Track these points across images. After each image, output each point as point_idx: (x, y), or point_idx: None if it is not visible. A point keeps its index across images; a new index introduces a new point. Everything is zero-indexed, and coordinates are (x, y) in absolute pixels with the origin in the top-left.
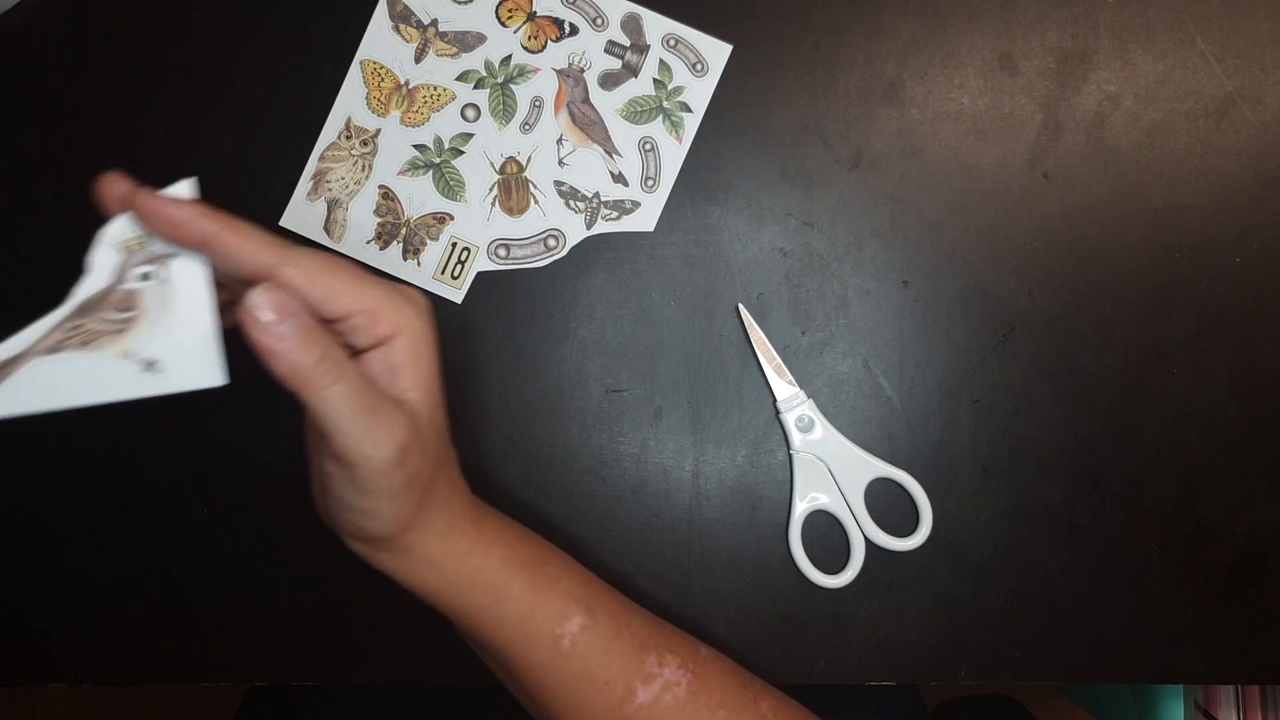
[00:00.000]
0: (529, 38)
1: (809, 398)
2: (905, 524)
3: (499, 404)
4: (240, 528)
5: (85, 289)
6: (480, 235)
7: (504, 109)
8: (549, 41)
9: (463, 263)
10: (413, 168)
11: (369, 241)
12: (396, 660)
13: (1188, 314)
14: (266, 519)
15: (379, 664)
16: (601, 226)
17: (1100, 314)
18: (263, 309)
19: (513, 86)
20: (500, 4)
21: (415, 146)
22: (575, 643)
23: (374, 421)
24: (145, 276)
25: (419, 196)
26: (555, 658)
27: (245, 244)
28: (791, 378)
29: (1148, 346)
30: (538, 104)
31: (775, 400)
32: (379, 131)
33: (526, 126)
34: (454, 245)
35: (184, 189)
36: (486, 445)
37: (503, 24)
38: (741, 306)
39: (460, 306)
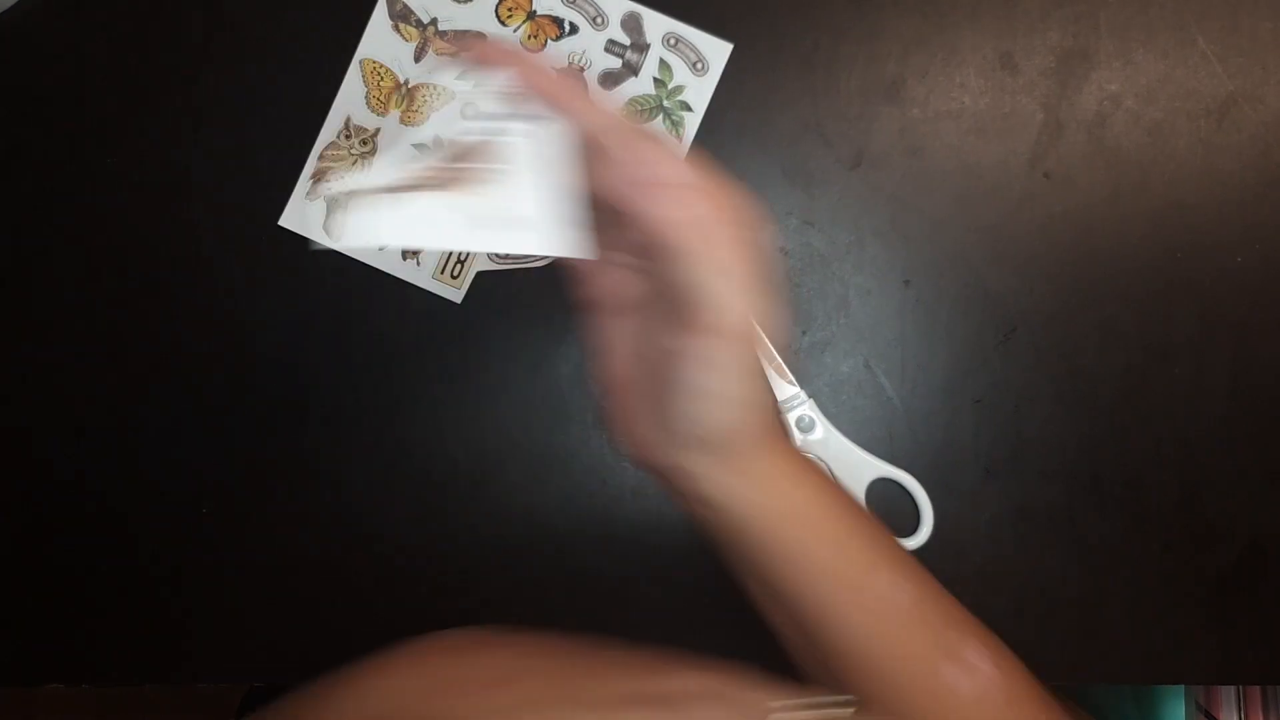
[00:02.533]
0: (529, 37)
1: (810, 398)
2: (906, 524)
3: (499, 404)
4: (240, 528)
5: (464, 130)
6: None
7: None
8: (549, 40)
9: (462, 262)
10: None
11: None
12: None
13: (1189, 314)
14: (266, 520)
15: None
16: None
17: (1102, 314)
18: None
19: None
20: (500, 3)
21: (414, 146)
22: (882, 601)
23: (734, 286)
24: (523, 133)
25: None
26: (858, 608)
27: (607, 121)
28: (792, 378)
29: (1149, 346)
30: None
31: (776, 400)
32: (378, 131)
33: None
34: None
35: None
36: (487, 445)
37: (502, 23)
38: None
39: (460, 306)
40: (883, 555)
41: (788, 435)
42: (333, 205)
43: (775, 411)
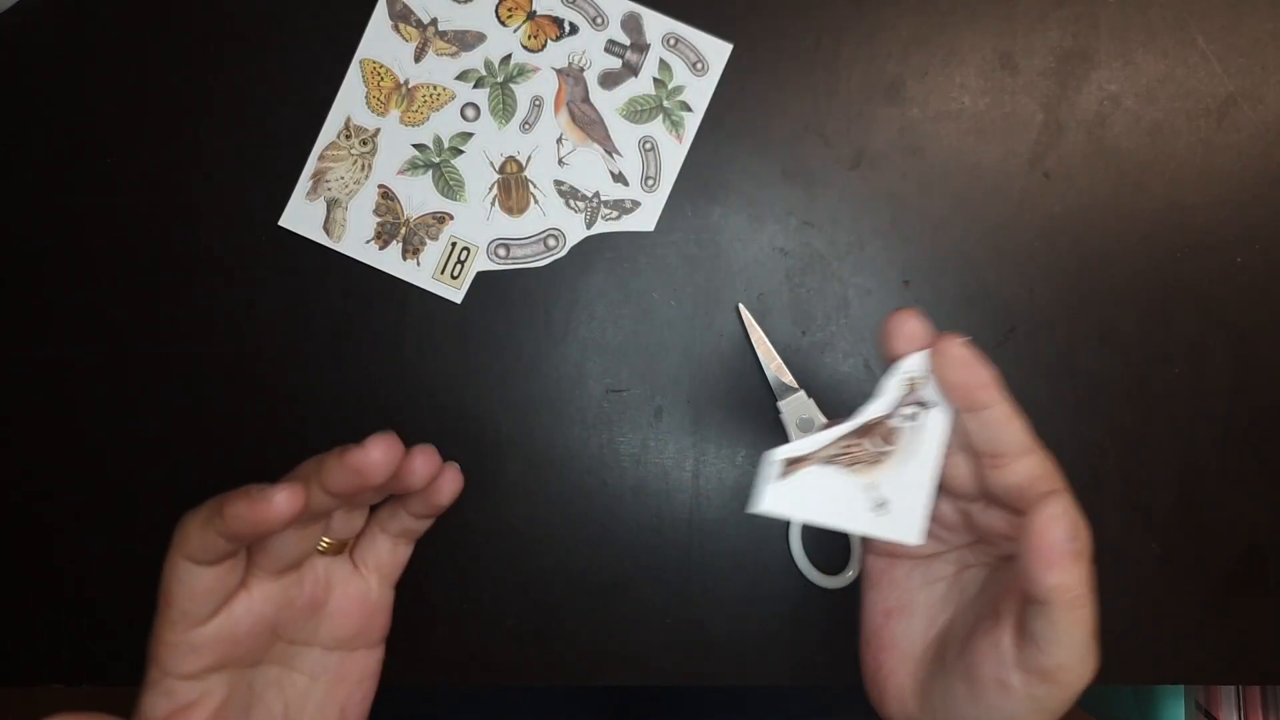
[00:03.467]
0: (529, 37)
1: (810, 398)
2: None
3: (499, 404)
4: None
5: (870, 411)
6: (480, 235)
7: (504, 108)
8: (549, 41)
9: (462, 262)
10: (412, 167)
11: (368, 241)
12: (394, 659)
13: (1189, 314)
14: None
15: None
16: (601, 226)
17: (1101, 314)
18: (1059, 533)
19: (512, 86)
20: (500, 3)
21: (415, 146)
22: None
23: (1089, 654)
24: (909, 417)
25: (418, 196)
26: None
27: (1015, 429)
28: (792, 378)
29: (1149, 347)
30: (537, 103)
31: (776, 400)
32: (378, 131)
33: (526, 126)
34: (453, 245)
35: (960, 343)
36: (486, 445)
37: (502, 23)
38: (742, 306)
39: (460, 306)
40: None
41: None
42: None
43: None
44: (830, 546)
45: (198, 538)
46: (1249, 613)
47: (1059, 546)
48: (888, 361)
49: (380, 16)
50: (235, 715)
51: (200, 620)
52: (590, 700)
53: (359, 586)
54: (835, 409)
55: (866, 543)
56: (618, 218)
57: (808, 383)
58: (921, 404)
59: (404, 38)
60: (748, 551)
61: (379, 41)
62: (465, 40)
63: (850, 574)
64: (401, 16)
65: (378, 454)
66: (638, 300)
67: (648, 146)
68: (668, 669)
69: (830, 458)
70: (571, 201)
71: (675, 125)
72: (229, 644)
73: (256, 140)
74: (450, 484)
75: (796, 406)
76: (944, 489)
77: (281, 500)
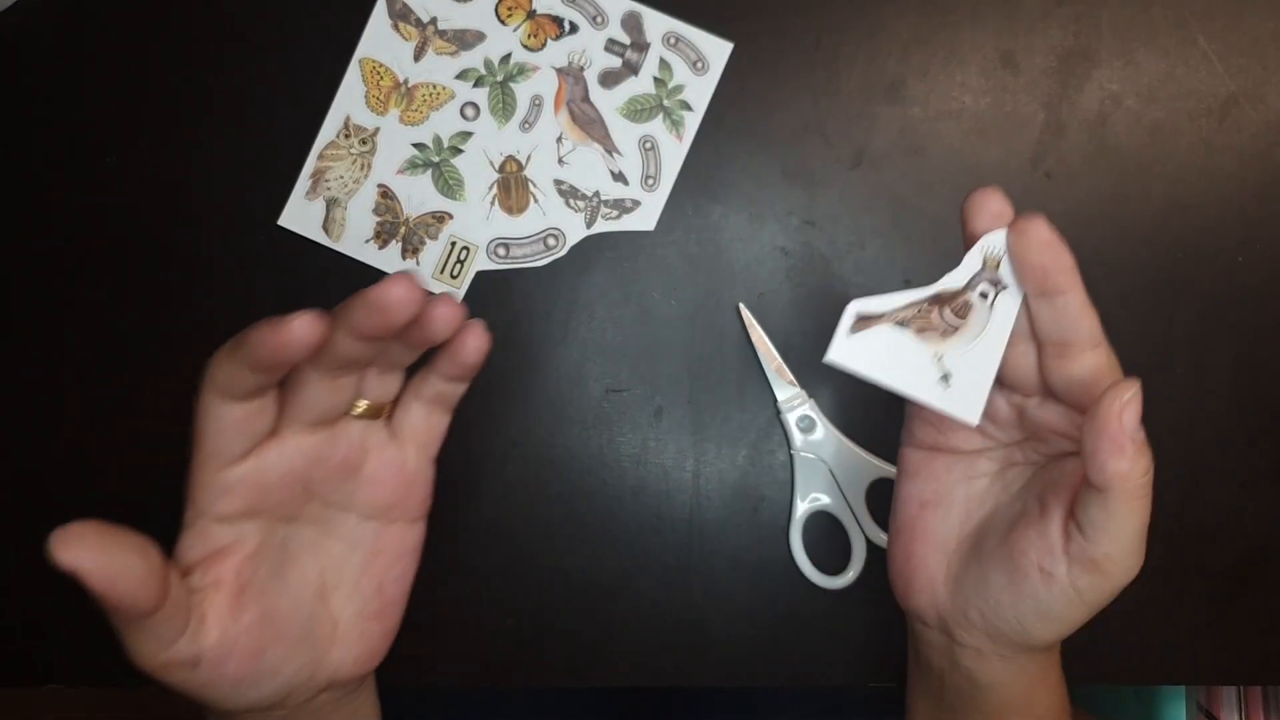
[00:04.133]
0: (528, 36)
1: (810, 398)
2: None
3: (498, 404)
4: None
5: (947, 281)
6: (479, 234)
7: (503, 107)
8: (549, 40)
9: (462, 262)
10: (412, 166)
11: (368, 240)
12: (395, 660)
13: (1190, 314)
14: None
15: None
16: (601, 225)
17: (1102, 313)
18: (1130, 418)
19: (512, 85)
20: (500, 2)
21: (414, 145)
22: None
23: (1139, 546)
24: (983, 295)
25: (418, 195)
26: None
27: (1089, 319)
28: (793, 378)
29: (1150, 345)
30: (537, 102)
31: (776, 400)
32: (378, 130)
33: (526, 125)
34: (453, 244)
35: (1044, 224)
36: (486, 446)
37: (502, 22)
38: (742, 306)
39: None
40: None
41: None
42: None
43: None
44: (832, 548)
45: (224, 371)
46: (1250, 613)
47: (1129, 432)
48: (968, 243)
49: (380, 16)
50: (269, 569)
51: (231, 460)
52: (600, 701)
53: (395, 454)
54: (836, 409)
55: (907, 433)
56: (618, 217)
57: (808, 383)
58: (996, 284)
59: (403, 37)
60: (748, 552)
61: (378, 41)
62: (465, 39)
63: (851, 575)
64: (401, 15)
65: (399, 290)
66: (638, 300)
67: (648, 146)
68: (668, 670)
69: (903, 320)
70: (571, 201)
71: (675, 124)
72: (260, 490)
73: (256, 140)
74: (475, 340)
75: (797, 406)
76: (1002, 381)
77: (300, 325)
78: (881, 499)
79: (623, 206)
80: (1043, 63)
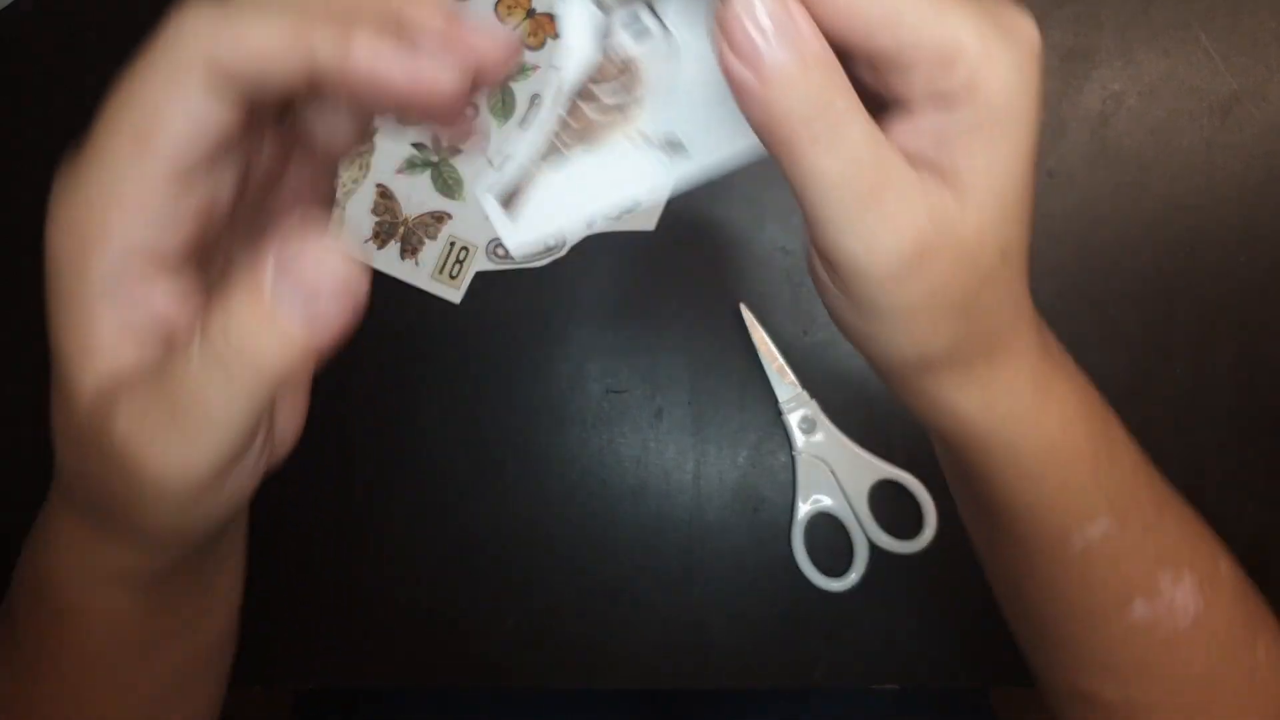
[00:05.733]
0: (528, 35)
1: (812, 398)
2: (909, 526)
3: (498, 405)
4: None
5: (570, 69)
6: (479, 234)
7: (502, 106)
8: (548, 39)
9: (461, 262)
10: (411, 166)
11: (366, 240)
12: (395, 661)
13: (1191, 312)
14: (262, 522)
15: (380, 663)
16: (601, 225)
17: (1103, 312)
18: (757, 10)
19: (511, 84)
20: (499, 1)
21: (413, 145)
22: (1088, 548)
23: (873, 212)
24: (637, 35)
25: (417, 195)
26: (1057, 555)
27: None
28: (794, 378)
29: (1151, 344)
30: (536, 101)
31: (777, 401)
32: (376, 129)
33: (525, 124)
34: (452, 244)
35: None
36: (486, 446)
37: (502, 21)
38: (743, 306)
39: (459, 306)
40: (1107, 500)
41: (1030, 338)
42: (507, 199)
43: (1016, 308)
44: (833, 549)
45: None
46: None
47: (739, 46)
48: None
49: None
50: None
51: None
52: (600, 701)
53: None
54: (837, 409)
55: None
56: (618, 217)
57: (809, 383)
58: (635, 8)
59: None
60: (749, 553)
61: None
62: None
63: (853, 576)
64: None
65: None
66: (638, 300)
67: None
68: (668, 671)
69: (550, 151)
70: None
71: None
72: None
73: None
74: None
75: (798, 406)
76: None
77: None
78: (884, 500)
79: None
80: (1044, 62)
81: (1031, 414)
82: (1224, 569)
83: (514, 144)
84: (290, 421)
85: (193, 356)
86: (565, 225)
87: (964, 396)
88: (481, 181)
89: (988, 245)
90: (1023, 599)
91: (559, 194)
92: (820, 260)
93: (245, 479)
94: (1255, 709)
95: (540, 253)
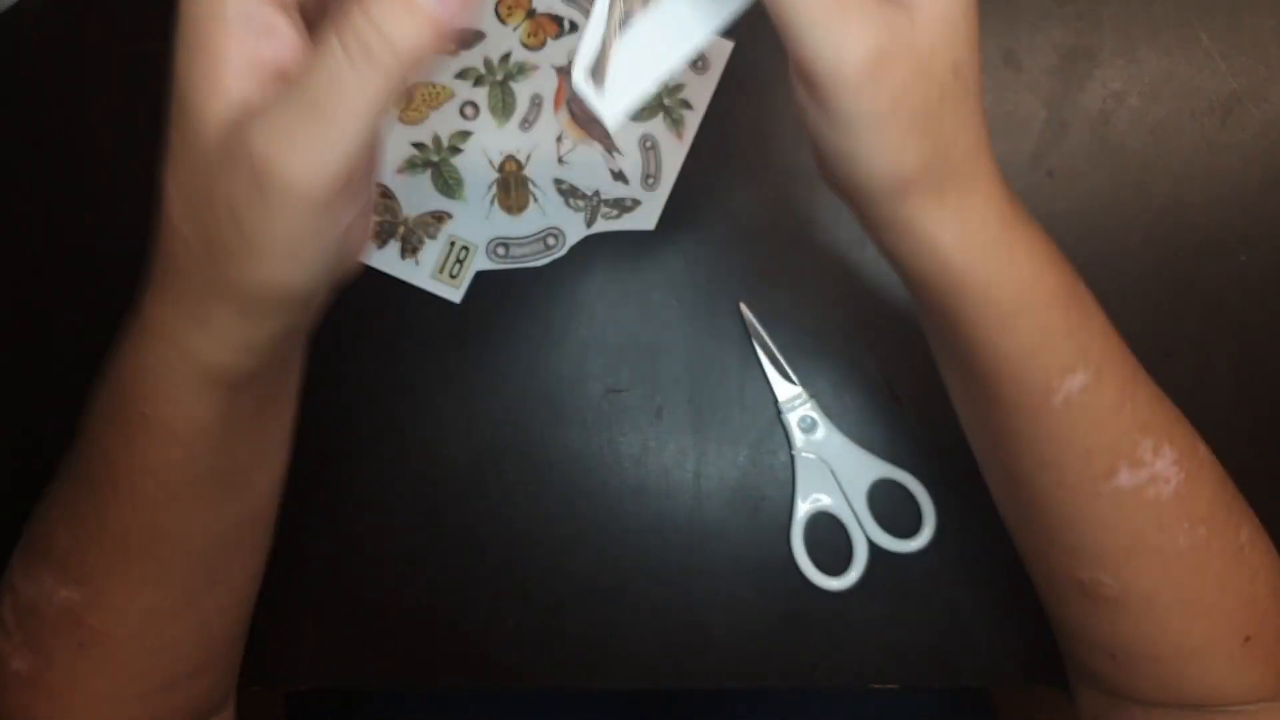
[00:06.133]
0: (528, 35)
1: (811, 398)
2: (909, 525)
3: (498, 404)
4: None
5: None
6: (479, 234)
7: (503, 106)
8: (548, 39)
9: (461, 261)
10: (411, 166)
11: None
12: (395, 661)
13: (1192, 312)
14: None
15: (380, 664)
16: (602, 225)
17: (1104, 312)
18: None
19: (512, 84)
20: (499, 1)
21: (413, 145)
22: (1069, 402)
23: (839, 22)
24: None
25: (417, 195)
26: (1039, 409)
27: None
28: (794, 378)
29: (1152, 345)
30: (537, 101)
31: (777, 400)
32: None
33: (526, 124)
34: (452, 244)
35: None
36: (485, 446)
37: (502, 21)
38: (743, 306)
39: (459, 306)
40: (1084, 354)
41: (994, 176)
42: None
43: (975, 134)
44: (833, 548)
45: None
46: None
47: None
48: None
49: None
50: None
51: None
52: (601, 702)
53: None
54: (837, 409)
55: None
56: (618, 216)
57: (809, 383)
58: None
59: None
60: (749, 552)
61: None
62: (464, 38)
63: (853, 576)
64: None
65: None
66: (638, 300)
67: (648, 145)
68: (668, 670)
69: (626, 17)
70: (571, 200)
71: (676, 123)
72: None
73: None
74: None
75: (798, 406)
76: None
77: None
78: (884, 500)
79: (623, 206)
80: (1044, 61)
81: (1005, 251)
82: (1202, 451)
83: (593, 23)
84: (358, 237)
85: (334, 48)
86: (649, 86)
87: (941, 228)
88: (576, 68)
89: (940, 58)
90: (1008, 466)
91: (635, 59)
92: (799, 80)
93: (347, 230)
94: (1243, 592)
95: (540, 251)
